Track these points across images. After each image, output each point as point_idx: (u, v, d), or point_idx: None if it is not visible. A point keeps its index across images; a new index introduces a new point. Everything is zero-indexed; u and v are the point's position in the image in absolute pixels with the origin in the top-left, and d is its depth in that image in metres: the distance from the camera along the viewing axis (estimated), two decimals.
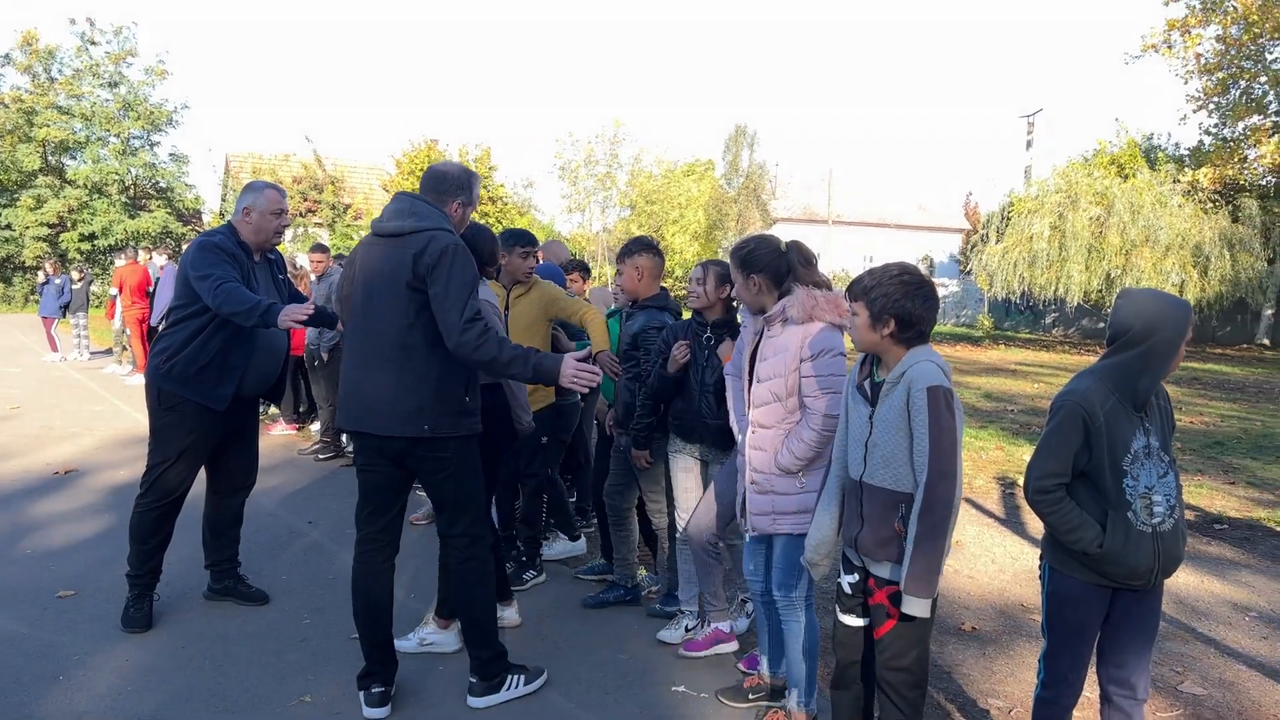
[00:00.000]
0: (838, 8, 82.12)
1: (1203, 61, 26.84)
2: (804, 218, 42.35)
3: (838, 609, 2.85)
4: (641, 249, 4.41)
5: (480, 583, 3.44)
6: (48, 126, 28.89)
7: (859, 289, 2.59)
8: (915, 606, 2.49)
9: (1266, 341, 26.10)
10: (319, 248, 8.10)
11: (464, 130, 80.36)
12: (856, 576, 2.75)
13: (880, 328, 2.55)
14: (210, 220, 33.33)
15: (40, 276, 15.44)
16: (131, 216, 29.66)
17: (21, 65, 30.09)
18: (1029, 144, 38.80)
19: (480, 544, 3.44)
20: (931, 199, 46.88)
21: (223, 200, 34.33)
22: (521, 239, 4.59)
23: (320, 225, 31.61)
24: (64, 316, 15.06)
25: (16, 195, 28.78)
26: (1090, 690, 2.93)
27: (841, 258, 37.01)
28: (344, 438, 8.11)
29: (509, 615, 4.17)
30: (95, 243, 28.56)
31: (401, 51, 74.09)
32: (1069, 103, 77.98)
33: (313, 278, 8.17)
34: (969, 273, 29.88)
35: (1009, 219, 25.74)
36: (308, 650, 3.89)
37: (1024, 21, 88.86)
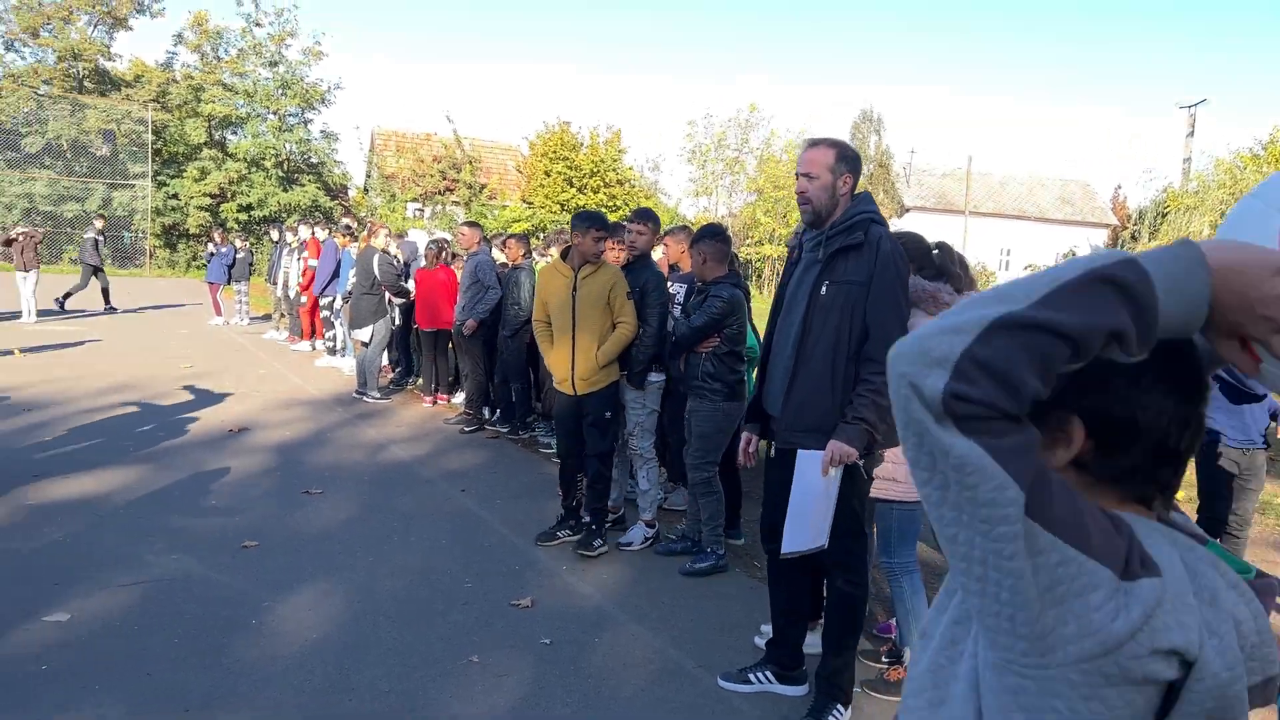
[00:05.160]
0: None
1: None
2: (938, 207, 41.08)
3: None
4: (705, 236, 4.79)
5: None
6: (214, 103, 30.77)
7: None
8: None
9: None
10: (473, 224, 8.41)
11: (596, 111, 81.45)
12: None
13: None
14: (355, 195, 34.86)
15: (210, 246, 16.52)
16: (285, 190, 31.33)
17: (192, 45, 32.12)
18: (1190, 135, 36.45)
19: None
20: (1075, 192, 44.63)
21: (367, 177, 35.82)
22: (593, 221, 4.90)
23: (457, 204, 32.62)
24: (228, 283, 16.09)
25: (184, 167, 30.81)
26: None
27: (978, 250, 35.70)
28: (485, 410, 8.41)
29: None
30: (251, 213, 30.29)
31: (538, 29, 75.47)
32: (1237, 91, 72.69)
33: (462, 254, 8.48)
34: None
35: (1164, 215, 24.28)
36: (470, 613, 4.08)
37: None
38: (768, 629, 3.70)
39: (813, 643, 3.76)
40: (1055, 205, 43.52)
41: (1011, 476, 0.85)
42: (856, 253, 3.07)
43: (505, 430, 8.00)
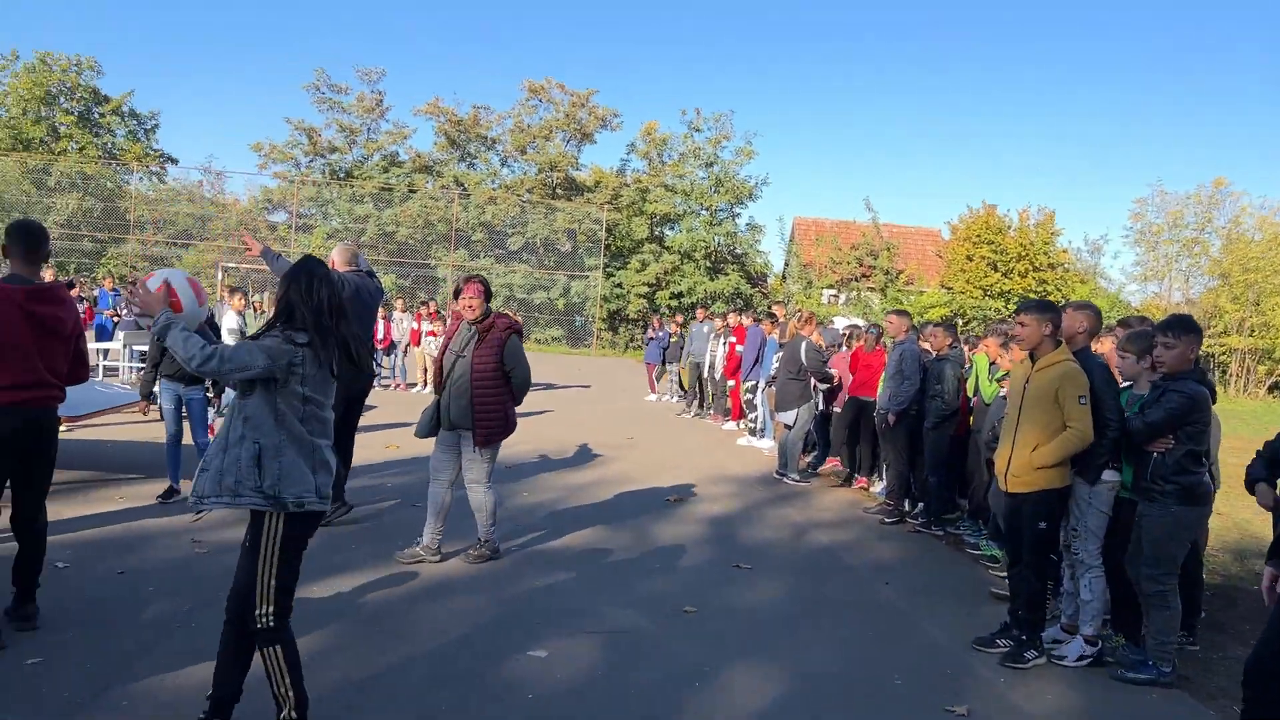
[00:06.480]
0: None
1: None
2: None
3: None
4: (1178, 330, 4.50)
5: None
6: (656, 203, 34.44)
7: None
8: None
9: None
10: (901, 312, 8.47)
11: (1026, 191, 77.28)
12: None
13: None
14: (772, 282, 36.54)
15: (649, 331, 18.34)
16: (711, 279, 33.86)
17: (641, 152, 36.43)
18: None
19: None
20: None
21: (785, 265, 37.42)
22: (1021, 307, 4.90)
23: (872, 290, 32.75)
24: (663, 364, 17.67)
25: (627, 259, 34.71)
26: None
27: None
28: (907, 503, 8.25)
29: None
30: (681, 300, 33.09)
31: (961, 110, 73.13)
32: None
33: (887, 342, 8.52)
34: None
35: None
36: (902, 711, 4.00)
37: None
38: None
39: None
40: None
41: None
42: None
43: (925, 525, 7.77)
